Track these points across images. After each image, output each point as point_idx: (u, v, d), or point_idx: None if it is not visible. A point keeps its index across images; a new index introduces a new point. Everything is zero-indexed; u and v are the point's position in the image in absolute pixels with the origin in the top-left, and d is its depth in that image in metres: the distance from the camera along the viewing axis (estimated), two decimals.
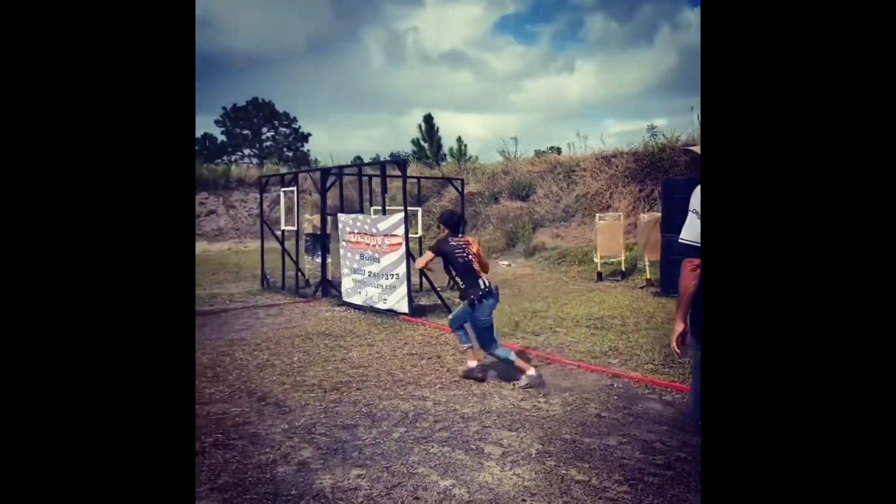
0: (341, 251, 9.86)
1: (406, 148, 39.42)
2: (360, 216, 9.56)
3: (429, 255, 5.57)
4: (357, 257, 9.50)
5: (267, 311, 9.52)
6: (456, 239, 5.53)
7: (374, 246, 9.14)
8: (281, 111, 53.30)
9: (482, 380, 5.64)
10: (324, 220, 10.52)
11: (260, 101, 53.09)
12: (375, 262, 9.12)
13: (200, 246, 21.93)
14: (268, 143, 53.38)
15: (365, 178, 11.41)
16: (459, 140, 29.04)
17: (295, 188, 10.88)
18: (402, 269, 8.68)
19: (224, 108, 52.09)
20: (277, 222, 23.79)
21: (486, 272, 5.55)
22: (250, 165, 37.35)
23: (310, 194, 24.03)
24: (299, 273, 11.42)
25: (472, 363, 5.66)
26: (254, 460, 3.99)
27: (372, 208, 11.10)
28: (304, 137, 54.22)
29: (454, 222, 5.63)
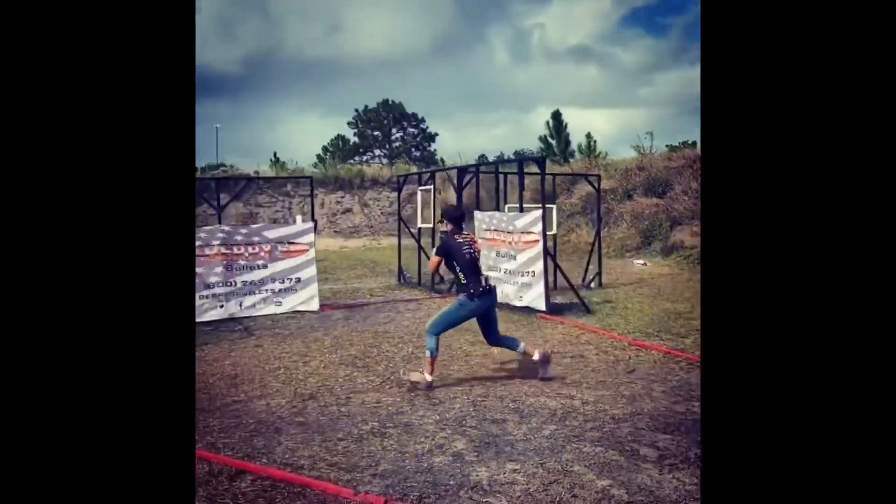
0: None
1: (530, 145, 39.07)
2: (497, 214, 9.63)
3: (436, 258, 5.59)
4: (493, 254, 9.58)
5: (406, 306, 9.82)
6: (461, 235, 5.54)
7: (510, 243, 9.18)
8: (410, 112, 54.57)
9: (431, 388, 5.43)
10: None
11: (390, 102, 54.64)
12: (512, 259, 9.15)
13: (337, 242, 22.96)
14: (397, 144, 54.81)
15: (500, 176, 11.46)
16: (589, 136, 28.46)
17: (432, 186, 11.15)
18: (538, 267, 8.65)
19: (356, 111, 54.05)
20: (411, 220, 24.32)
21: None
22: (381, 165, 38.57)
23: (439, 192, 24.50)
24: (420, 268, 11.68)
25: (428, 377, 5.42)
26: (410, 449, 4.13)
27: (506, 206, 11.13)
28: (432, 137, 55.20)
29: (458, 217, 5.65)
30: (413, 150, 54.46)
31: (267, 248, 9.27)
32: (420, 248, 12.01)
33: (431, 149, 54.59)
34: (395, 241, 24.41)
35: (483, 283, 5.41)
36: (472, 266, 5.43)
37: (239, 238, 9.16)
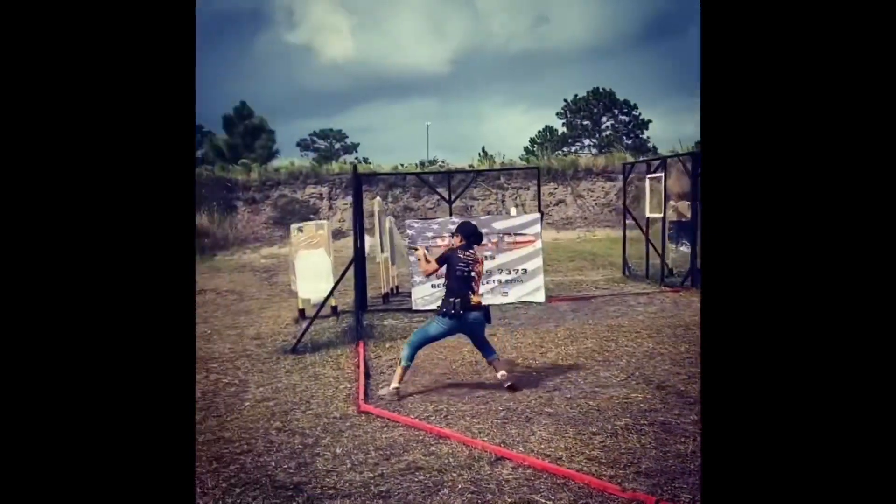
0: None
1: None
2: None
3: (433, 265, 5.32)
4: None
5: (636, 300, 9.45)
6: (467, 252, 5.30)
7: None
8: (621, 99, 52.89)
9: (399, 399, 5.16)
10: (694, 207, 10.05)
11: (601, 90, 53.40)
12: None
13: (550, 235, 22.90)
14: (607, 133, 53.42)
15: None
16: None
17: (662, 174, 10.61)
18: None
19: (565, 101, 53.52)
20: (631, 210, 23.52)
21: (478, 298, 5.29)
22: (591, 155, 37.74)
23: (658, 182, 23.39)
24: (664, 262, 11.11)
25: (395, 385, 5.27)
26: (671, 449, 3.91)
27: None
28: (644, 124, 53.03)
29: (470, 234, 5.38)
30: (624, 138, 52.76)
31: (494, 239, 9.43)
32: (647, 239, 11.50)
33: (644, 136, 52.50)
34: (611, 232, 23.96)
35: (454, 306, 5.16)
36: (459, 284, 5.21)
37: None
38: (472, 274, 5.24)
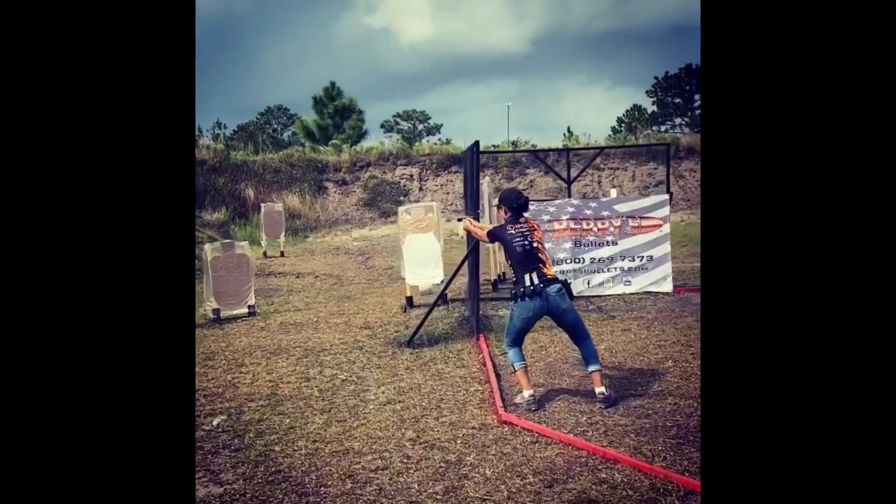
0: None
1: None
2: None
3: (483, 233, 5.00)
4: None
5: None
6: (517, 224, 4.62)
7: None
8: None
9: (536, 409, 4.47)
10: None
11: (693, 66, 50.85)
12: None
13: None
14: (700, 111, 50.86)
15: None
16: None
17: None
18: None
19: (656, 78, 51.34)
20: None
21: (551, 270, 4.60)
22: (683, 134, 35.96)
23: None
24: None
25: (527, 392, 4.54)
26: None
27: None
28: None
29: (517, 205, 4.67)
30: None
31: (617, 223, 8.61)
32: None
33: None
34: None
35: (529, 282, 4.45)
36: (524, 260, 4.52)
37: (588, 212, 8.63)
38: (535, 244, 4.55)
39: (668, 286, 8.57)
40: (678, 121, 51.62)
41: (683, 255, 12.32)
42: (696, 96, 51.39)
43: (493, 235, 4.84)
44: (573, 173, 22.47)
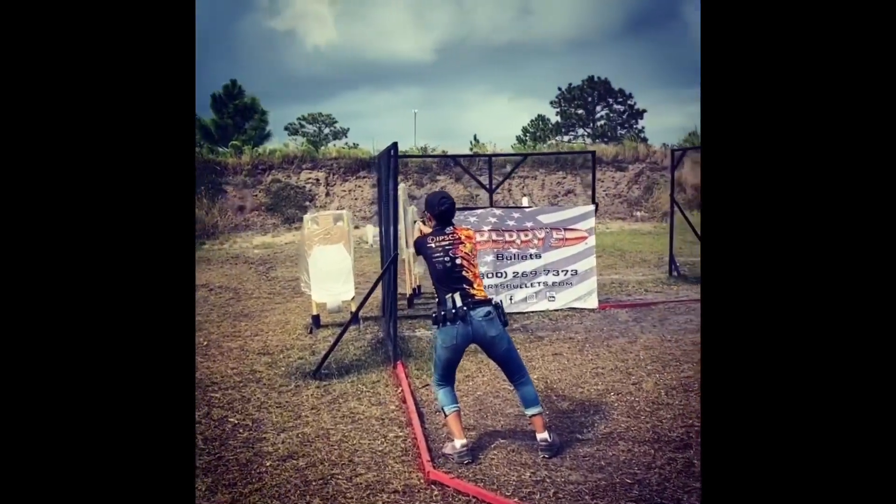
0: None
1: None
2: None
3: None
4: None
5: None
6: (440, 236, 3.86)
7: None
8: (616, 88, 51.74)
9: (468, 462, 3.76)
10: None
11: (595, 79, 52.20)
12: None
13: None
14: (602, 122, 52.35)
15: None
16: None
17: None
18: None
19: (560, 89, 52.32)
20: (638, 203, 22.14)
21: (481, 290, 3.86)
22: (585, 144, 36.61)
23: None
24: None
25: (458, 442, 3.79)
26: None
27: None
28: (639, 114, 51.96)
29: (441, 211, 3.89)
30: (618, 128, 51.66)
31: (541, 234, 8.05)
32: (697, 234, 10.16)
33: (639, 126, 51.47)
34: (624, 225, 22.70)
35: (451, 304, 3.72)
36: (444, 279, 3.80)
37: (511, 223, 8.02)
38: (458, 261, 3.80)
39: (593, 302, 8.10)
40: (580, 131, 52.85)
41: (600, 268, 12.01)
42: (598, 107, 52.81)
43: (416, 246, 4.06)
44: (485, 181, 22.08)
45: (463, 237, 3.90)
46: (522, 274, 8.02)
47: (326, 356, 5.67)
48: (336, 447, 4.01)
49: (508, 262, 8.00)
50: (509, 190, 22.94)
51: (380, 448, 3.98)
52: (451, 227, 3.93)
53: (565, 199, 23.07)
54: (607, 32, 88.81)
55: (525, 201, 20.63)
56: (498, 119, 76.73)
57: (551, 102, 53.69)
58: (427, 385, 5.20)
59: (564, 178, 23.62)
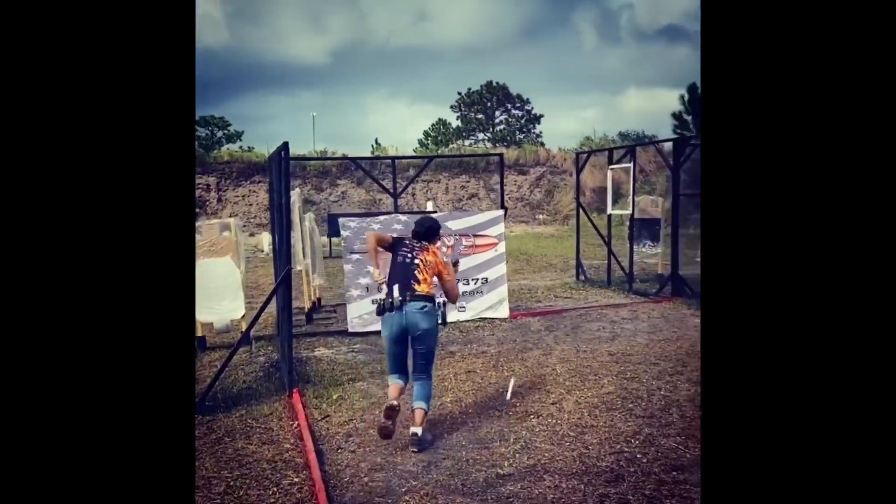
0: None
1: (621, 127, 36.24)
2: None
3: (373, 240, 4.34)
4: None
5: (617, 313, 7.93)
6: (412, 241, 4.43)
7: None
8: (515, 94, 52.57)
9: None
10: (675, 202, 8.68)
11: (494, 84, 52.82)
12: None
13: None
14: (501, 127, 53.05)
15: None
16: None
17: (631, 164, 9.14)
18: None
19: (459, 94, 52.55)
20: (540, 205, 22.38)
21: (453, 299, 4.45)
22: (485, 149, 36.88)
23: (626, 173, 22.54)
24: (632, 266, 9.69)
25: (392, 401, 4.06)
26: None
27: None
28: (537, 119, 53.02)
29: (424, 230, 4.48)
30: (517, 132, 52.50)
31: (450, 241, 7.61)
32: (608, 239, 10.05)
33: (537, 131, 52.49)
34: (527, 228, 22.72)
35: (390, 294, 4.13)
36: (396, 272, 4.24)
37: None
38: (416, 261, 4.24)
39: (504, 311, 7.74)
40: (481, 136, 53.33)
41: (508, 274, 11.75)
42: (497, 112, 53.44)
43: (392, 241, 4.41)
44: (389, 185, 21.58)
45: (431, 251, 4.32)
46: None
47: (211, 385, 4.95)
48: (218, 502, 3.36)
49: None
50: (413, 195, 22.49)
51: (271, 500, 3.36)
52: (427, 243, 4.37)
53: (469, 203, 22.89)
54: (503, 40, 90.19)
55: (430, 205, 20.22)
56: (399, 123, 76.30)
57: (451, 107, 53.90)
58: (327, 416, 4.61)
59: (468, 181, 23.45)
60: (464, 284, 7.65)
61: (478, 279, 7.70)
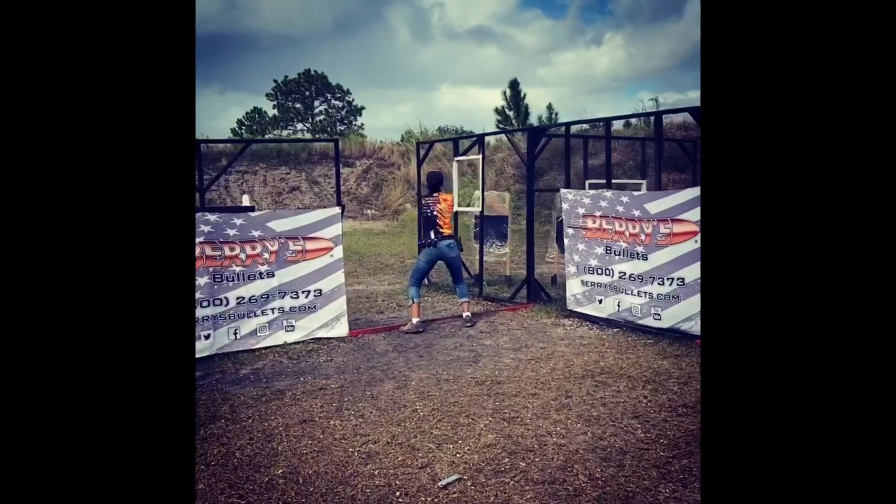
0: (566, 241, 7.23)
1: (439, 123, 36.62)
2: (608, 193, 6.81)
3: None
4: (600, 250, 6.82)
5: (475, 326, 6.93)
6: (428, 198, 6.89)
7: (633, 236, 6.42)
8: (334, 84, 50.89)
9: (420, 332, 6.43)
10: (531, 197, 7.85)
11: (312, 72, 50.72)
12: (637, 259, 6.41)
13: None
14: (321, 118, 51.18)
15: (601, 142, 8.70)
16: (550, 107, 26.42)
17: (481, 156, 8.19)
18: (689, 272, 5.96)
19: (275, 81, 49.86)
20: (367, 200, 21.10)
21: (448, 230, 6.85)
22: (306, 139, 35.15)
23: (473, 166, 21.58)
24: (482, 268, 8.78)
25: (415, 319, 6.58)
26: None
27: (588, 181, 8.40)
28: (358, 111, 51.79)
29: (432, 183, 6.93)
30: (338, 123, 50.92)
31: (273, 246, 6.15)
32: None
33: (358, 123, 51.27)
34: (356, 224, 21.31)
35: (429, 236, 6.78)
36: (426, 224, 6.88)
37: (232, 232, 5.97)
38: (434, 213, 6.72)
39: (342, 329, 6.43)
40: (300, 126, 51.15)
41: None
42: (317, 102, 51.50)
43: (419, 202, 7.54)
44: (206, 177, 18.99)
45: (441, 199, 6.81)
46: (250, 299, 6.05)
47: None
48: None
49: (230, 284, 5.96)
50: (226, 187, 20.25)
51: None
52: (436, 194, 6.85)
53: (291, 197, 21.08)
54: (317, 31, 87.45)
55: (246, 200, 18.16)
56: (209, 112, 71.00)
57: (267, 95, 51.11)
58: None
59: (288, 173, 21.61)
60: (291, 298, 6.24)
61: (309, 291, 6.32)
